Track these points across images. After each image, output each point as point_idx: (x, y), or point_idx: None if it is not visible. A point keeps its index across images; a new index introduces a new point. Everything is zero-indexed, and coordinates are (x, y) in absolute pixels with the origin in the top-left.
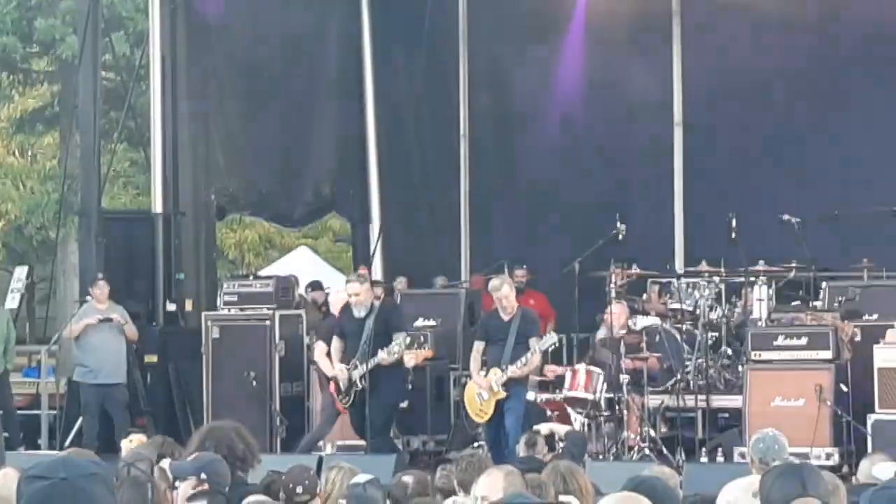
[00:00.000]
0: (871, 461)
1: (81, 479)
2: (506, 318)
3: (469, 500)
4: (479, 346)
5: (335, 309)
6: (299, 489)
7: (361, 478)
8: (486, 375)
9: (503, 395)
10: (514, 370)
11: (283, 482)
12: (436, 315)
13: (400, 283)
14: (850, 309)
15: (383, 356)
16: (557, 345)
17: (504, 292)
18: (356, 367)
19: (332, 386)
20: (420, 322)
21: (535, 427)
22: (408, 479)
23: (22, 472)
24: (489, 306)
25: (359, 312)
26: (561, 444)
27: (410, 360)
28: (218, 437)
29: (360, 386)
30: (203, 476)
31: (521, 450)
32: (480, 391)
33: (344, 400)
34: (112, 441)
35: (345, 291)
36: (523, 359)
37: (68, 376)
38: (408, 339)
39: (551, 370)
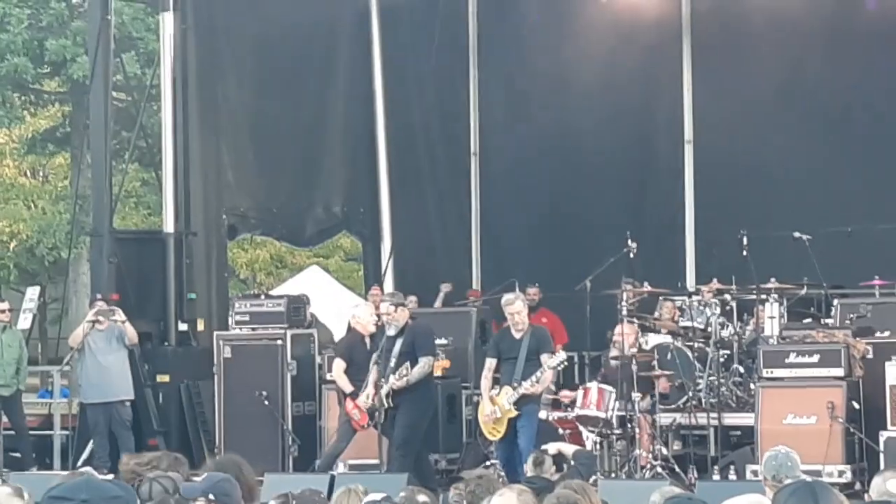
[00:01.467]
0: (884, 478)
1: (103, 501)
2: (517, 335)
3: None
4: (490, 363)
5: (358, 327)
6: None
7: (374, 496)
8: (498, 394)
9: (515, 413)
10: (525, 388)
11: None
12: (447, 333)
13: (411, 302)
14: (862, 326)
15: (393, 380)
16: (567, 363)
17: (516, 308)
18: (382, 386)
19: (348, 402)
20: None
21: (543, 447)
22: (422, 497)
23: (17, 489)
24: (495, 328)
25: (390, 331)
26: (570, 463)
27: None
28: (224, 470)
29: (386, 405)
30: (212, 497)
31: (528, 469)
32: (493, 409)
33: (369, 422)
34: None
35: (376, 310)
36: (534, 377)
37: (80, 398)
38: (430, 364)
39: (566, 395)
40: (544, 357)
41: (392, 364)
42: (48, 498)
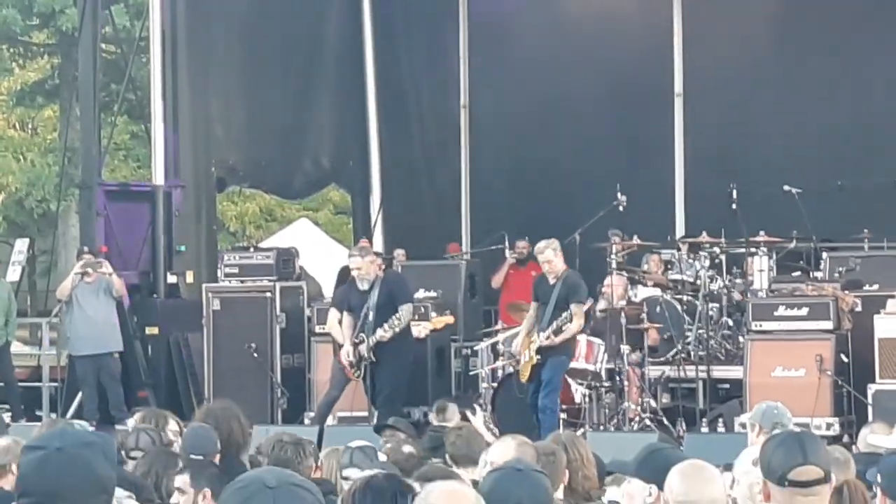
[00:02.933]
0: (871, 430)
1: (78, 448)
2: (552, 281)
3: (470, 474)
4: (534, 306)
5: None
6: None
7: (358, 442)
8: (533, 338)
9: (535, 360)
10: (541, 339)
11: None
12: (436, 287)
13: (399, 254)
14: (851, 279)
15: (381, 333)
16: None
17: (546, 256)
18: (362, 340)
19: (341, 353)
20: (421, 293)
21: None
22: (407, 448)
23: (17, 442)
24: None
25: (362, 285)
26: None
27: (423, 330)
28: (217, 419)
29: (371, 359)
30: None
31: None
32: (525, 353)
33: (356, 374)
34: (109, 415)
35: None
36: (554, 325)
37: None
38: (411, 311)
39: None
40: (574, 306)
41: (371, 318)
42: (24, 448)
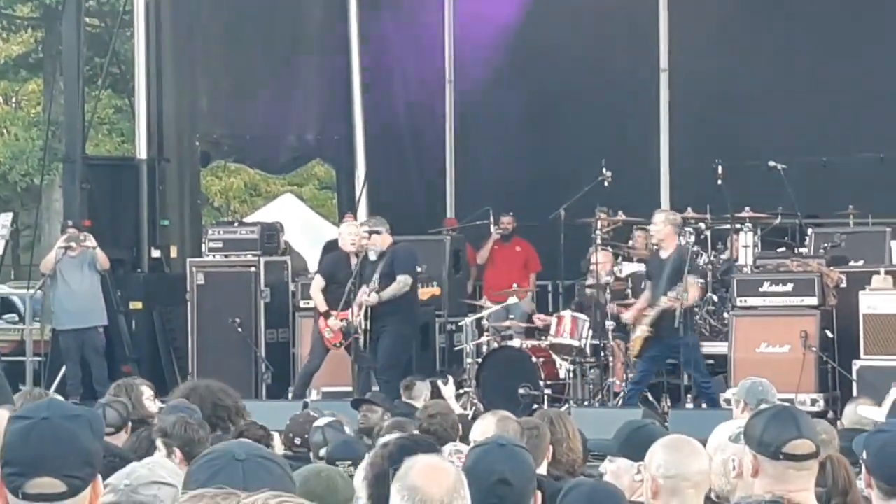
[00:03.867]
0: (856, 405)
1: (64, 419)
2: (664, 255)
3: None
4: (648, 284)
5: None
6: (297, 440)
7: (322, 421)
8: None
9: (647, 333)
10: (664, 302)
11: (284, 431)
12: (420, 261)
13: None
14: (836, 255)
15: (363, 297)
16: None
17: (656, 227)
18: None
19: (321, 321)
20: None
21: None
22: (382, 422)
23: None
24: (471, 255)
25: (373, 256)
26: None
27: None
28: (201, 396)
29: (363, 326)
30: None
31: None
32: (640, 329)
33: (345, 342)
34: (93, 389)
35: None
36: (672, 293)
37: (52, 324)
38: (406, 283)
39: (540, 318)
40: (689, 278)
41: (368, 286)
42: (11, 418)
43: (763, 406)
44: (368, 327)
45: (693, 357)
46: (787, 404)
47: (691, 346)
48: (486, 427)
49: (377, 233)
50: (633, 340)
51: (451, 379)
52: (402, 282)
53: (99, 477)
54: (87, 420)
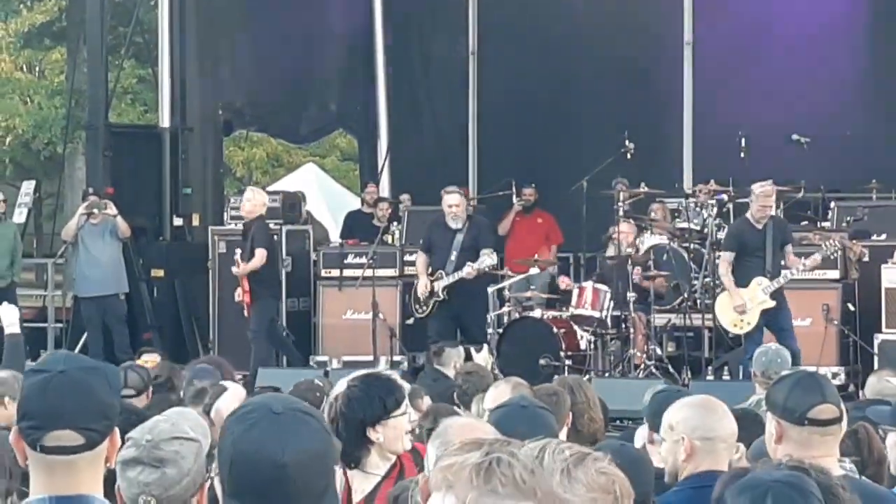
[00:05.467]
0: (879, 377)
1: (81, 371)
2: (759, 226)
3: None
4: (729, 256)
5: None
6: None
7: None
8: (747, 285)
9: (771, 304)
10: (793, 272)
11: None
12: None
13: (405, 199)
14: (859, 229)
15: (469, 270)
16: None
17: (766, 191)
18: (440, 277)
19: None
20: None
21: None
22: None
23: (15, 377)
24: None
25: (455, 224)
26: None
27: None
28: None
29: (441, 297)
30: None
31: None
32: (743, 302)
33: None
34: (114, 357)
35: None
36: (803, 262)
37: (74, 292)
38: (494, 257)
39: (564, 281)
40: (788, 248)
41: (454, 258)
42: (27, 372)
43: (785, 373)
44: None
45: (792, 325)
46: (811, 370)
47: (789, 316)
48: (499, 394)
49: (466, 199)
50: (751, 309)
51: (485, 346)
52: (492, 256)
53: (116, 430)
54: (104, 373)
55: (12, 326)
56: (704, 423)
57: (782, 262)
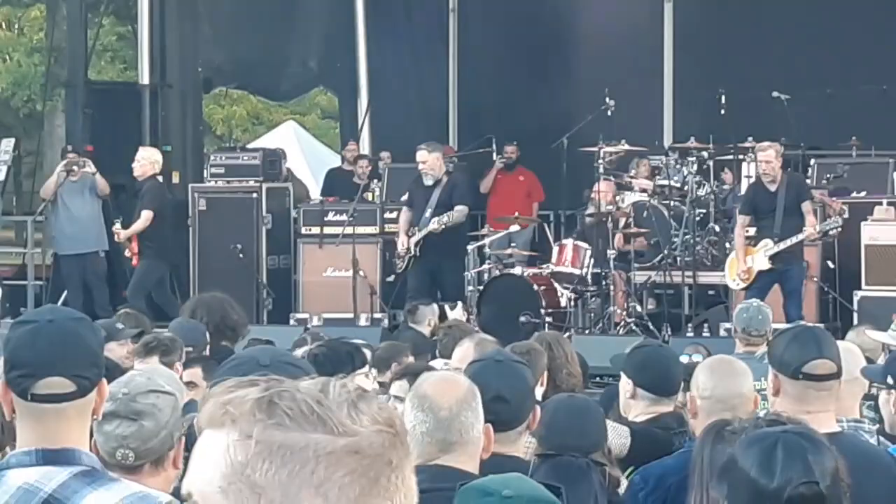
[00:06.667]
0: (857, 332)
1: (69, 321)
2: (772, 187)
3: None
4: (742, 220)
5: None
6: None
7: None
8: (754, 245)
9: (767, 266)
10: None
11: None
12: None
13: (385, 157)
14: (839, 186)
15: (434, 225)
16: (840, 227)
17: (767, 155)
18: (414, 234)
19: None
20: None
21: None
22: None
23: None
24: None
25: (427, 180)
26: None
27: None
28: (209, 307)
29: (413, 253)
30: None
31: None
32: (746, 264)
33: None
34: (94, 314)
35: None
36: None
37: (54, 249)
38: (464, 214)
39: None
40: (805, 205)
41: (428, 214)
42: (13, 324)
43: (786, 326)
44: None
45: (798, 288)
46: (811, 325)
47: (801, 274)
48: (464, 353)
49: (438, 153)
50: (744, 271)
51: (459, 303)
52: (462, 212)
53: (104, 381)
54: (91, 324)
55: None
56: (710, 383)
57: (798, 223)
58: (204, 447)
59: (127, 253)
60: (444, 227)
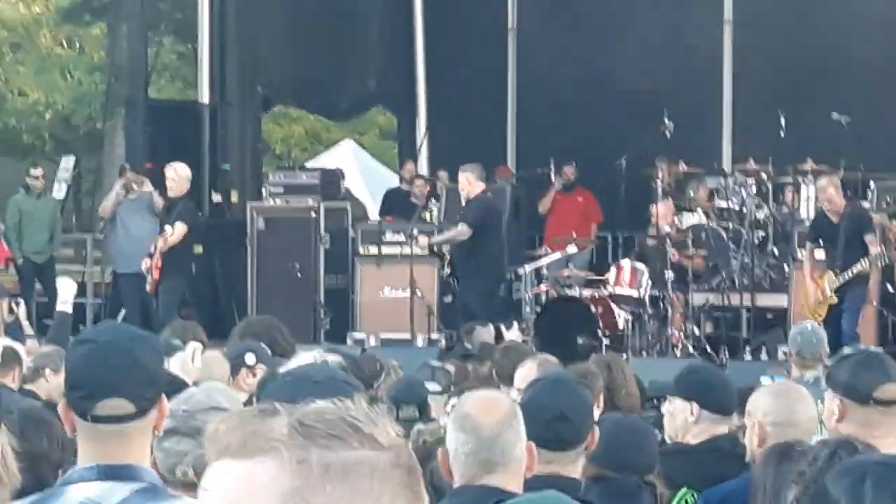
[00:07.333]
0: None
1: (126, 340)
2: (835, 219)
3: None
4: (808, 246)
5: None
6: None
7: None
8: (821, 277)
9: (835, 300)
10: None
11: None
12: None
13: (442, 177)
14: None
15: (425, 241)
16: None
17: (828, 194)
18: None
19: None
20: None
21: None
22: (450, 367)
23: (57, 351)
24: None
25: (462, 200)
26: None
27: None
28: (257, 331)
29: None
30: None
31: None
32: (816, 292)
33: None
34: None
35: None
36: (858, 265)
37: (113, 267)
38: (460, 229)
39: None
40: (868, 237)
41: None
42: (74, 342)
43: (848, 351)
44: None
45: (856, 306)
46: (873, 348)
47: (854, 299)
48: (527, 373)
49: (478, 179)
50: (816, 307)
51: (515, 323)
52: (458, 231)
53: (164, 397)
54: (151, 343)
55: (65, 305)
56: (776, 409)
57: (860, 253)
58: (235, 479)
59: (143, 265)
60: (436, 244)
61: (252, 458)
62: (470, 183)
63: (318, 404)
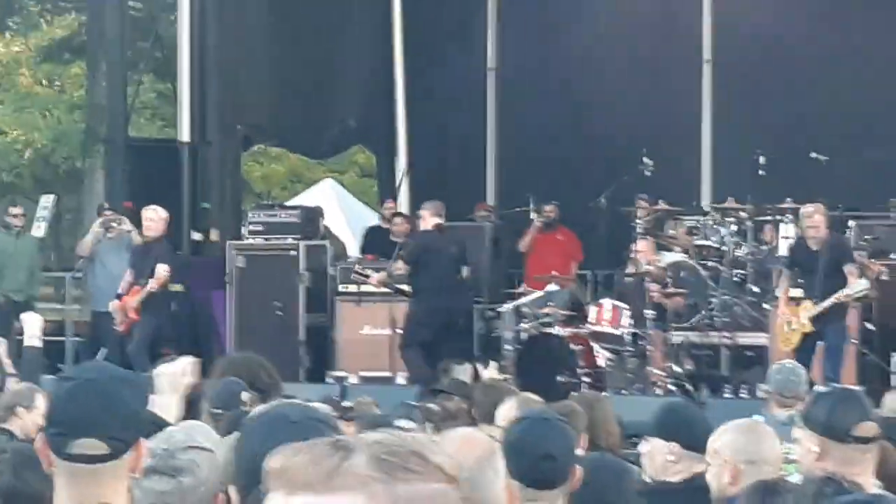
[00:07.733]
0: (894, 396)
1: (110, 380)
2: (815, 247)
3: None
4: (784, 272)
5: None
6: None
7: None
8: (798, 304)
9: (810, 329)
10: (824, 306)
11: None
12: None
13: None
14: (877, 248)
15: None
16: (867, 291)
17: (814, 221)
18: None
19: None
20: None
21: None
22: (432, 405)
23: (33, 389)
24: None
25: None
26: None
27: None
28: (238, 368)
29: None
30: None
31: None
32: (789, 318)
33: None
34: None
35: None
36: (840, 293)
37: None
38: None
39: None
40: (847, 267)
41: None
42: (56, 379)
43: (821, 389)
44: None
45: (837, 345)
46: (850, 387)
47: (839, 332)
48: (509, 411)
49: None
50: (788, 334)
51: (491, 363)
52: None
53: (142, 440)
54: (133, 383)
55: (33, 339)
56: (744, 447)
57: (839, 283)
58: None
59: (113, 309)
60: (381, 282)
61: (336, 493)
62: (424, 219)
63: (383, 434)
